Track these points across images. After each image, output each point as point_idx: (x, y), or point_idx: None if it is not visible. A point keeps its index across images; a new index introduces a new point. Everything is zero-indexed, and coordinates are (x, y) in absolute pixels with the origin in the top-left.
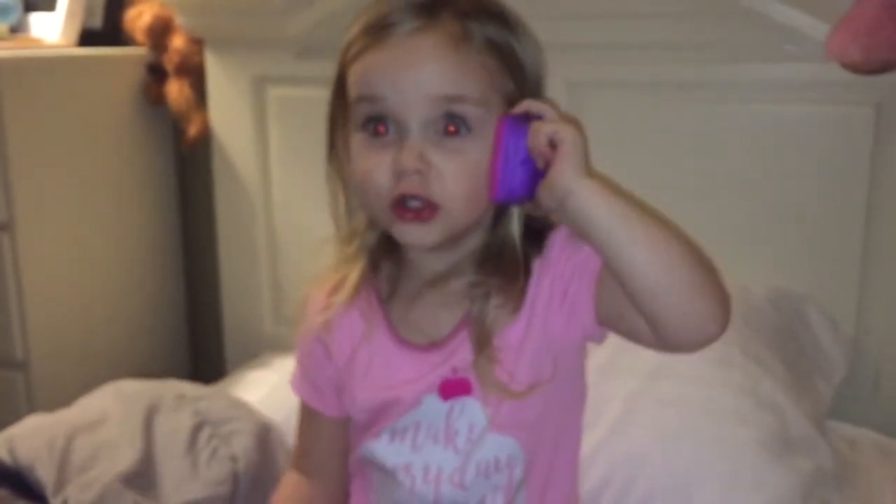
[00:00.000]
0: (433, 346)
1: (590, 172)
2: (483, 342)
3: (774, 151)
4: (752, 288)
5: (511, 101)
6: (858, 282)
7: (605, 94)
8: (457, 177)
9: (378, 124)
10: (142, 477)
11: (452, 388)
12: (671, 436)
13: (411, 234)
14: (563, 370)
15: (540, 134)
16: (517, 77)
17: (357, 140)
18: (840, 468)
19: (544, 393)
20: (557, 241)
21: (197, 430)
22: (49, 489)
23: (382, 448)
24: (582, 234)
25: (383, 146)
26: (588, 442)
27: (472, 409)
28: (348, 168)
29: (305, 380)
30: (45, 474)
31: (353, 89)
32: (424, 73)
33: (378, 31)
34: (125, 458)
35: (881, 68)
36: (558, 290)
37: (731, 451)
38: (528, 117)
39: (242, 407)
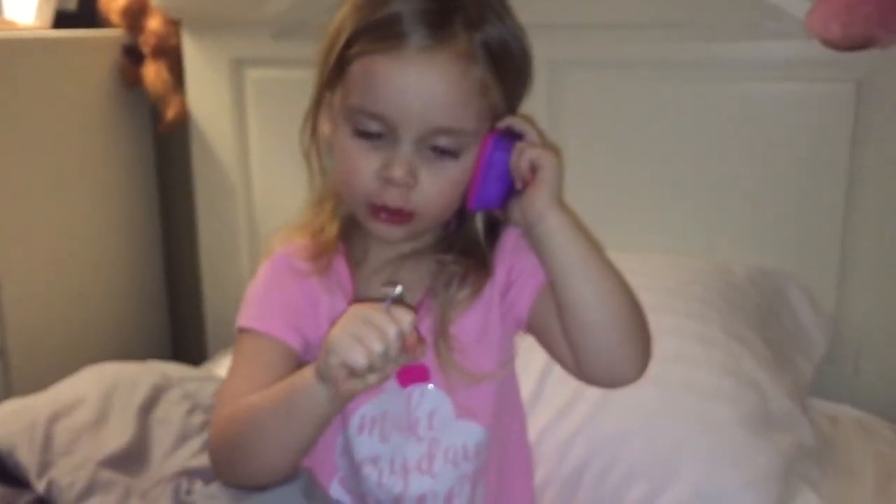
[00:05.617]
0: None
1: (562, 203)
2: (442, 328)
3: (755, 129)
4: (733, 267)
5: (498, 116)
6: (839, 260)
7: (586, 72)
8: (438, 192)
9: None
10: (131, 459)
11: (410, 376)
12: (652, 415)
13: (381, 230)
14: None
15: (523, 157)
16: (509, 85)
17: (346, 135)
18: (821, 444)
19: (501, 379)
20: (511, 238)
21: (188, 415)
22: (32, 472)
23: (353, 439)
24: (540, 256)
25: (373, 148)
26: (569, 422)
27: (432, 396)
28: (329, 136)
29: (274, 317)
30: (26, 458)
31: (354, 92)
32: (430, 102)
33: (388, 37)
34: (113, 440)
35: (861, 45)
36: (507, 284)
37: (713, 429)
38: (511, 132)
39: None
